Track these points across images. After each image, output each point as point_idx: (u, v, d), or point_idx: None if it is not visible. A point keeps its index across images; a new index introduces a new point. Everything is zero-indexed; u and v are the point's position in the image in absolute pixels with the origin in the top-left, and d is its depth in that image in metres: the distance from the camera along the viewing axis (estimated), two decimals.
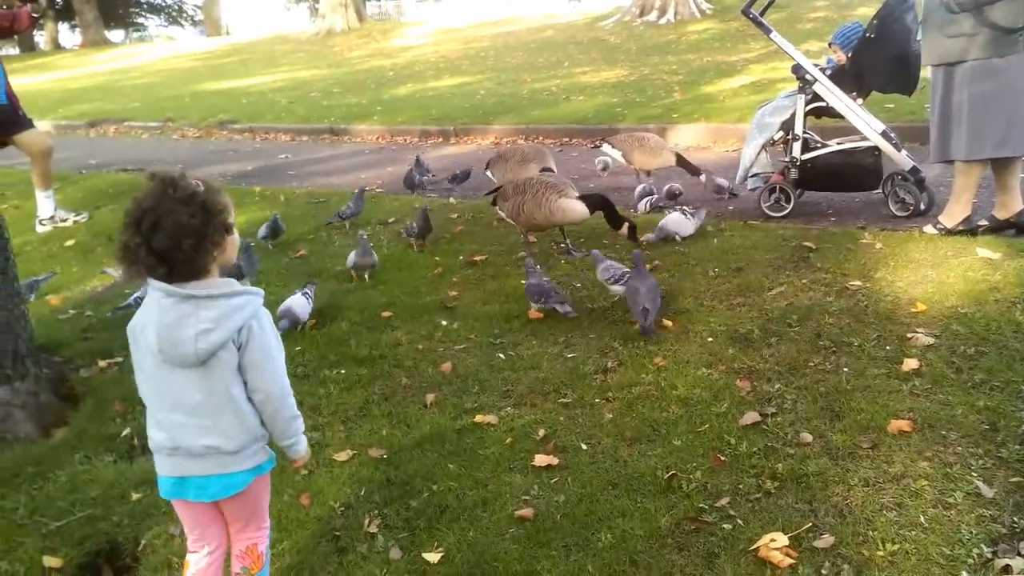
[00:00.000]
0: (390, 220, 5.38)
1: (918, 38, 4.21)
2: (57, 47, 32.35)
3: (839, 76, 4.65)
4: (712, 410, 2.66)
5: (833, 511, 2.13)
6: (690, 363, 2.98)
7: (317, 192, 6.56)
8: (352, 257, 4.18)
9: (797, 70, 4.69)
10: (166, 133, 12.19)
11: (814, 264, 3.73)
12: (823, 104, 4.68)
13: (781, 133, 4.80)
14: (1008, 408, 2.44)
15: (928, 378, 2.66)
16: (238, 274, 3.90)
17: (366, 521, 2.33)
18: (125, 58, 25.24)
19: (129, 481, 2.64)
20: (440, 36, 21.09)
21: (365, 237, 4.23)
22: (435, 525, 2.28)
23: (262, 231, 4.92)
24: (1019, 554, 1.89)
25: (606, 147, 5.80)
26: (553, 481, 2.41)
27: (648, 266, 3.89)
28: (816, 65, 4.73)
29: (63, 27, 35.61)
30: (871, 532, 2.03)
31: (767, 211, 4.84)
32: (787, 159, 4.79)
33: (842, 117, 4.68)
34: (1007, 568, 1.86)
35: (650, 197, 5.14)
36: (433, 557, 2.15)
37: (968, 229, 4.04)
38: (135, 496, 2.56)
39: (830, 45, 4.99)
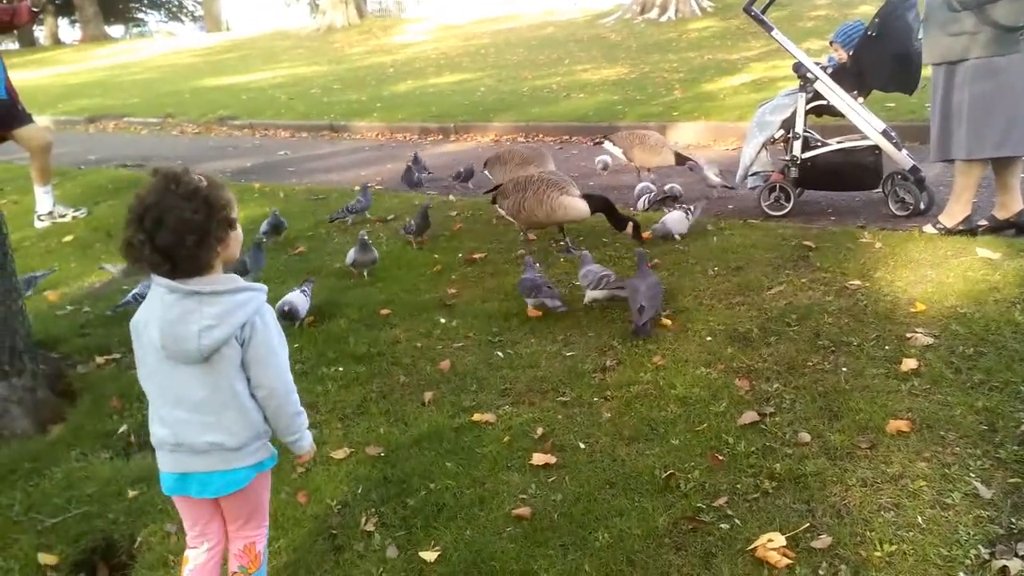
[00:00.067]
0: (389, 217, 5.37)
1: (919, 37, 4.20)
2: (57, 42, 32.32)
3: (840, 74, 4.64)
4: (710, 409, 2.65)
5: (831, 511, 2.12)
6: (689, 362, 2.98)
7: (317, 189, 6.55)
8: (352, 254, 4.17)
9: (798, 68, 4.68)
10: (165, 129, 12.17)
11: (814, 263, 3.72)
12: (824, 103, 4.67)
13: (781, 131, 4.79)
14: (1007, 409, 2.43)
15: (927, 378, 2.65)
16: (243, 270, 3.89)
17: (363, 519, 2.32)
18: (125, 53, 25.21)
19: (126, 478, 2.63)
20: (440, 33, 21.06)
21: (365, 236, 4.22)
22: (432, 524, 2.27)
23: (263, 227, 4.84)
24: (1017, 555, 1.89)
25: (607, 144, 5.80)
26: (551, 480, 2.41)
27: (649, 264, 3.88)
28: (817, 63, 4.72)
29: (63, 22, 35.58)
30: (869, 533, 2.03)
31: (767, 210, 4.83)
32: (787, 158, 4.78)
33: (843, 116, 4.67)
34: (1004, 569, 1.85)
35: (649, 195, 5.13)
36: (430, 556, 2.14)
37: (968, 229, 4.03)
38: (131, 493, 2.55)
39: (831, 43, 4.98)
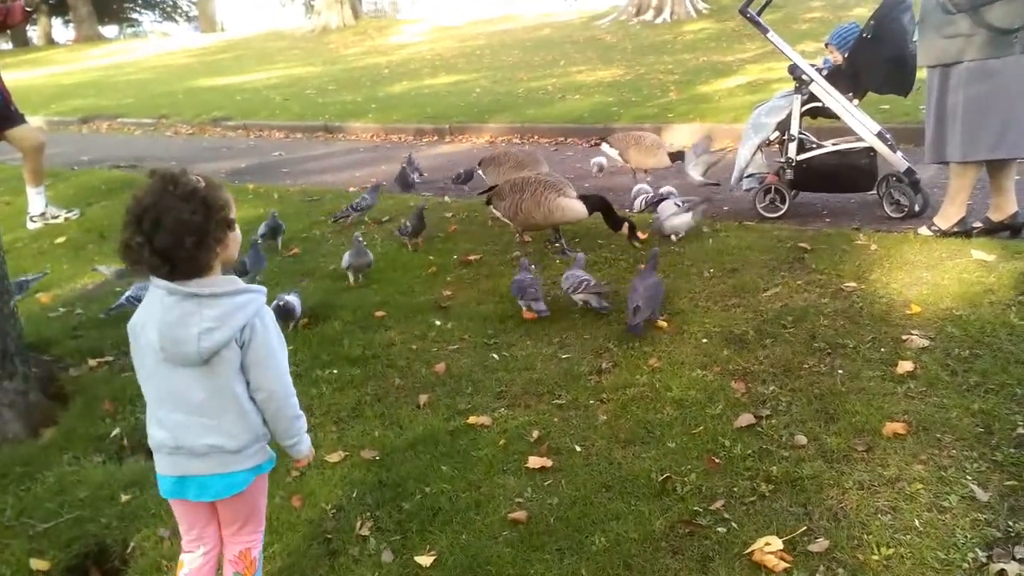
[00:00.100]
0: (384, 219, 5.35)
1: (914, 39, 4.20)
2: (50, 42, 32.17)
3: (835, 76, 4.65)
4: (707, 412, 2.65)
5: (828, 514, 2.12)
6: (685, 364, 2.97)
7: (311, 190, 6.52)
8: (347, 258, 4.14)
9: (793, 70, 4.68)
10: (159, 130, 12.13)
11: (809, 265, 3.72)
12: (819, 105, 4.68)
13: (777, 133, 4.80)
14: (1002, 411, 2.43)
15: (923, 380, 2.65)
16: (242, 271, 3.86)
17: (358, 524, 2.31)
18: (119, 54, 25.11)
19: (118, 482, 2.61)
20: (436, 34, 21.05)
21: (360, 238, 4.19)
22: (427, 528, 2.26)
23: (261, 230, 4.74)
24: (1014, 558, 1.89)
25: (605, 146, 5.80)
26: (547, 483, 2.40)
27: (642, 265, 3.88)
28: (812, 65, 4.72)
29: (56, 22, 35.44)
30: (866, 536, 2.02)
31: (762, 212, 4.83)
32: (783, 160, 4.78)
33: (838, 118, 4.68)
34: (1002, 573, 1.85)
35: (646, 196, 5.13)
36: (425, 560, 2.13)
37: (963, 231, 4.03)
38: (124, 498, 2.53)
39: (826, 45, 4.98)
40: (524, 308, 3.52)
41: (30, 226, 6.01)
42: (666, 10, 16.68)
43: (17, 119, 5.75)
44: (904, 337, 2.93)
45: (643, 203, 5.09)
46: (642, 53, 13.49)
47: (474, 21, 22.25)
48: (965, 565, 1.89)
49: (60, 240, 5.61)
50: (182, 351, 1.64)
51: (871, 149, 4.55)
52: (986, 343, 2.82)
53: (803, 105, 4.69)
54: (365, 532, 2.27)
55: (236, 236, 1.73)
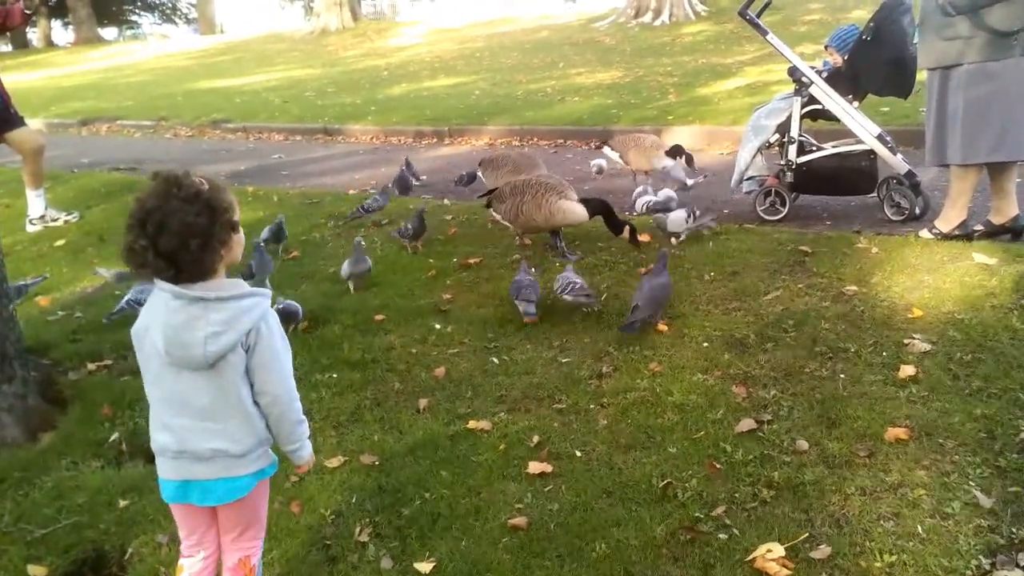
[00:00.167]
0: (384, 221, 5.34)
1: (914, 41, 4.20)
2: (50, 44, 32.17)
3: (835, 79, 4.64)
4: (708, 417, 2.63)
5: (830, 520, 2.11)
6: (685, 368, 2.96)
7: (311, 192, 6.51)
8: (346, 267, 4.09)
9: (793, 72, 4.67)
10: (159, 132, 12.11)
11: (810, 268, 3.71)
12: (819, 107, 4.67)
13: (777, 136, 4.78)
14: (1005, 416, 2.42)
15: (925, 385, 2.64)
16: (248, 274, 3.85)
17: (357, 529, 2.29)
18: (118, 56, 25.10)
19: (116, 488, 2.60)
20: (435, 36, 21.04)
21: (362, 243, 4.16)
22: (427, 534, 2.25)
23: (264, 234, 4.68)
24: (1018, 565, 1.88)
25: (606, 149, 5.78)
26: (547, 489, 2.38)
27: (643, 269, 3.87)
28: (812, 67, 4.71)
29: (56, 24, 35.41)
30: (868, 543, 2.01)
31: (762, 215, 4.82)
32: (783, 162, 4.77)
33: (838, 120, 4.67)
34: None
35: (647, 198, 5.11)
36: (425, 567, 2.11)
37: (964, 234, 4.02)
38: (122, 503, 2.52)
39: (826, 47, 4.97)
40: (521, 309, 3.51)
41: (29, 229, 6.00)
42: (665, 12, 16.67)
43: (17, 122, 5.74)
44: (906, 341, 2.92)
45: (645, 206, 5.08)
46: (641, 55, 13.49)
47: (473, 23, 22.24)
48: (968, 572, 1.88)
49: (59, 243, 5.60)
50: (188, 355, 1.63)
51: (871, 151, 4.54)
52: (988, 347, 2.81)
53: (803, 107, 4.68)
54: (364, 538, 2.26)
55: (240, 238, 1.73)
